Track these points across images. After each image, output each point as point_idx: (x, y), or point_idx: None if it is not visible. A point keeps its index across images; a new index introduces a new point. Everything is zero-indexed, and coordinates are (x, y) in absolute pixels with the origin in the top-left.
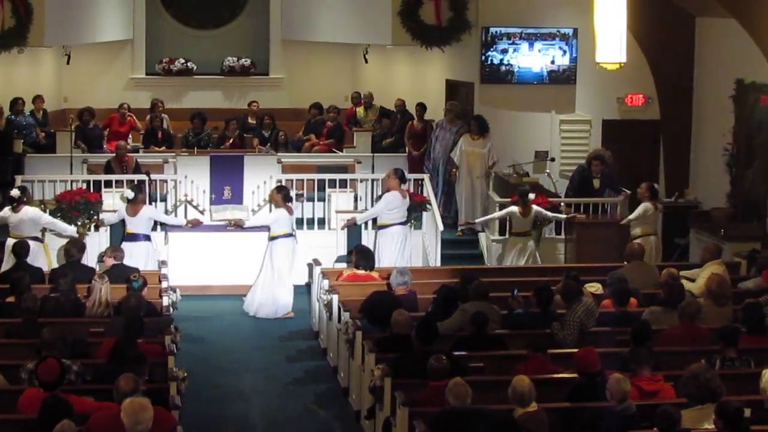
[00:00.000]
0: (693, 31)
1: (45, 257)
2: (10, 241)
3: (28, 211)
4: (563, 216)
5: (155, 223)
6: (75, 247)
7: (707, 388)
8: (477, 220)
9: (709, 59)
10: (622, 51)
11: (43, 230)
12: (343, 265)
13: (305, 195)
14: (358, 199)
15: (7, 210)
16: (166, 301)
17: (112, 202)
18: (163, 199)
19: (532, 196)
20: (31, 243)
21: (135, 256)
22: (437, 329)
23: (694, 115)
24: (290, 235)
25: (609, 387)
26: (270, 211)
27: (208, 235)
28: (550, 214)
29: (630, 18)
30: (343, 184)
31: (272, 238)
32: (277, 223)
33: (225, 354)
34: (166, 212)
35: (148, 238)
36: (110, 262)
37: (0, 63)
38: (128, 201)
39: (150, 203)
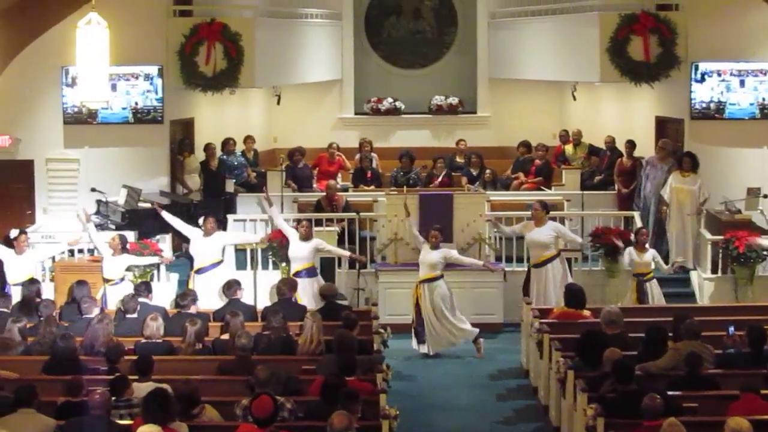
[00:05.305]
0: None
1: None
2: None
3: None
4: None
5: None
6: (286, 285)
7: None
8: None
9: None
10: None
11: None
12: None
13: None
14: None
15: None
16: (377, 339)
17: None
18: (373, 238)
19: None
20: None
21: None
22: (633, 368)
23: None
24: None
25: None
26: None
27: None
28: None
29: None
30: None
31: None
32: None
33: (434, 392)
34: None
35: None
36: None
37: (212, 104)
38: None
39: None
